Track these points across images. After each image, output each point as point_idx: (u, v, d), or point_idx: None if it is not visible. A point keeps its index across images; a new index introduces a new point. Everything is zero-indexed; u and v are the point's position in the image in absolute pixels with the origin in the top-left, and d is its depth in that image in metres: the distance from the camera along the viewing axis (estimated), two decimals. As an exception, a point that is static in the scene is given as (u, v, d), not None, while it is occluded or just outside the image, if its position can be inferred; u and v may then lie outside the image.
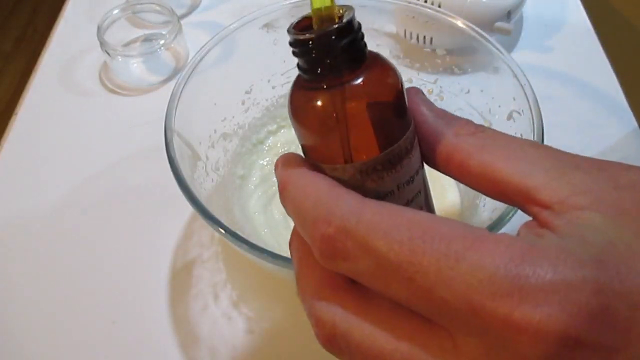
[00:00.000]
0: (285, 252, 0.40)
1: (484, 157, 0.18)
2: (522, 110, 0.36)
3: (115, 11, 0.56)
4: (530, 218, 0.18)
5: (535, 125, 0.34)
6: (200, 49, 0.39)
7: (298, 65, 0.19)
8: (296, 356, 0.38)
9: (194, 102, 0.37)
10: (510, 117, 0.38)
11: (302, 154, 0.21)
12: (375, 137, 0.19)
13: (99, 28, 0.53)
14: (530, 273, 0.14)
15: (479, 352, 0.15)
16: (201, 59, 0.38)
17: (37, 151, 0.51)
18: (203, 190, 0.37)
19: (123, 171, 0.49)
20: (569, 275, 0.14)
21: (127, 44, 0.59)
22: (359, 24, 0.19)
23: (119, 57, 0.53)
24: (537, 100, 0.35)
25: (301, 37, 0.18)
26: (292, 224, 0.44)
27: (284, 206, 0.20)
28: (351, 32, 0.18)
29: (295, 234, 0.21)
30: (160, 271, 0.42)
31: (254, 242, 0.29)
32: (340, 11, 0.19)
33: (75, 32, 0.61)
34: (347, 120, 0.19)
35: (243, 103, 0.45)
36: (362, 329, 0.17)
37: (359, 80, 0.19)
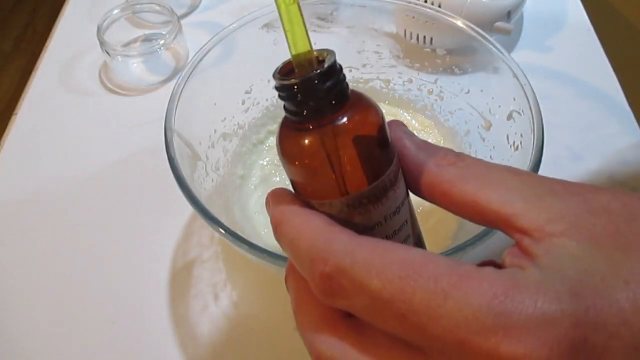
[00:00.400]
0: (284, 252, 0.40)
1: (465, 187, 0.19)
2: (522, 110, 0.36)
3: (115, 11, 0.56)
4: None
5: (535, 125, 0.34)
6: (200, 49, 0.39)
7: (284, 107, 0.20)
8: (296, 356, 0.38)
9: (194, 102, 0.37)
10: (510, 117, 0.38)
11: (291, 188, 0.22)
12: (360, 172, 0.20)
13: (99, 28, 0.53)
14: (512, 309, 0.15)
15: None
16: (201, 59, 0.38)
17: (37, 151, 0.51)
18: (203, 190, 0.37)
19: (123, 171, 0.49)
20: (548, 310, 0.15)
21: (127, 44, 0.59)
22: (340, 67, 0.20)
23: (119, 57, 0.53)
24: (537, 100, 0.35)
25: (286, 82, 0.19)
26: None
27: (279, 243, 0.21)
28: (333, 75, 0.20)
29: (291, 270, 0.22)
30: (160, 271, 0.42)
31: (254, 242, 0.29)
32: (321, 55, 0.20)
33: (75, 32, 0.61)
34: (332, 158, 0.20)
35: (243, 103, 0.45)
36: None
37: (343, 120, 0.20)
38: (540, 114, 0.34)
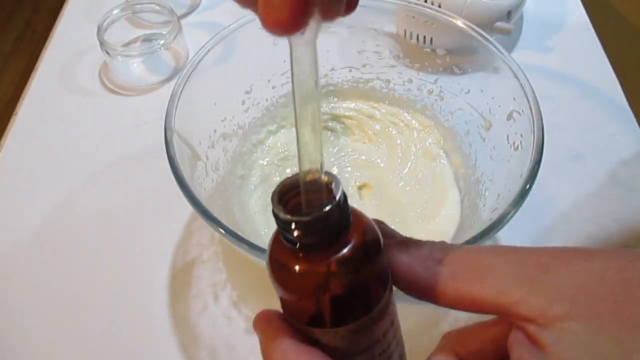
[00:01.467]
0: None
1: (457, 285, 0.19)
2: (522, 110, 0.36)
3: (115, 11, 0.56)
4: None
5: (535, 125, 0.34)
6: (200, 49, 0.39)
7: (283, 234, 0.19)
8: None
9: (194, 102, 0.37)
10: (510, 117, 0.38)
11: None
12: (367, 297, 0.19)
13: (99, 28, 0.53)
14: None
15: None
16: (201, 59, 0.38)
17: (37, 151, 0.51)
18: (203, 190, 0.37)
19: (123, 171, 0.49)
20: None
21: (127, 44, 0.59)
22: (344, 194, 0.19)
23: (119, 57, 0.53)
24: (537, 100, 0.35)
25: (296, 220, 0.18)
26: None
27: None
28: (342, 211, 0.18)
29: None
30: (160, 271, 0.42)
31: (254, 242, 0.29)
32: (325, 179, 0.19)
33: (75, 32, 0.61)
34: (341, 287, 0.19)
35: (243, 103, 0.45)
36: None
37: (346, 251, 0.18)
38: (540, 114, 0.34)
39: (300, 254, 0.19)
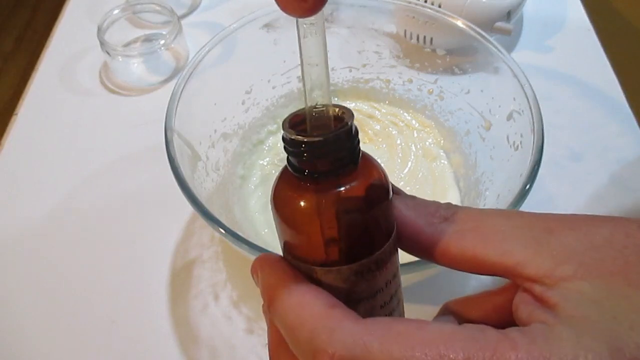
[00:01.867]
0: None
1: (462, 243, 0.19)
2: (522, 110, 0.36)
3: (116, 11, 0.56)
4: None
5: (535, 125, 0.34)
6: (201, 49, 0.39)
7: (291, 163, 0.19)
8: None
9: (194, 102, 0.37)
10: (510, 117, 0.38)
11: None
12: (371, 238, 0.19)
13: (99, 28, 0.53)
14: None
15: None
16: (201, 59, 0.38)
17: (37, 151, 0.51)
18: (203, 190, 0.37)
19: (123, 171, 0.49)
20: None
21: (127, 44, 0.59)
22: (357, 130, 0.19)
23: (119, 57, 0.53)
24: (537, 100, 0.35)
25: (307, 140, 0.18)
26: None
27: (276, 323, 0.19)
28: (350, 139, 0.18)
29: (278, 346, 0.20)
30: (160, 271, 0.42)
31: (254, 242, 0.29)
32: (337, 111, 0.19)
33: (75, 32, 0.61)
34: (345, 222, 0.18)
35: (243, 103, 0.45)
36: None
37: (356, 183, 0.18)
38: (540, 114, 0.34)
39: (307, 184, 0.18)
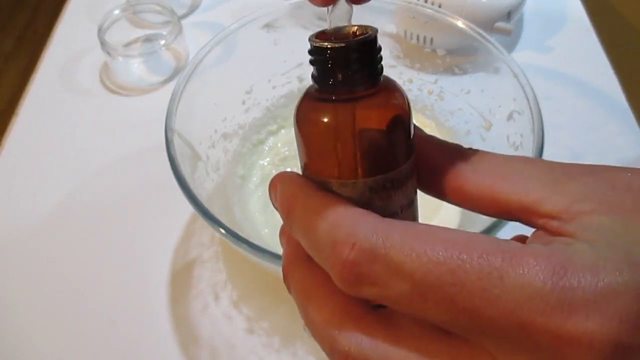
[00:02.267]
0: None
1: (479, 180, 0.19)
2: (522, 110, 0.36)
3: (116, 11, 0.56)
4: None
5: (535, 125, 0.34)
6: (201, 49, 0.39)
7: (315, 76, 0.19)
8: (296, 356, 0.38)
9: (194, 102, 0.38)
10: (510, 117, 0.38)
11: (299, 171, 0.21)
12: (388, 154, 0.19)
13: (99, 28, 0.53)
14: (575, 284, 0.14)
15: None
16: (201, 59, 0.38)
17: (37, 151, 0.51)
18: (203, 190, 0.37)
19: (123, 171, 0.49)
20: (612, 283, 0.14)
21: (127, 44, 0.59)
22: (380, 47, 0.19)
23: (120, 57, 0.53)
24: (537, 100, 0.35)
25: (322, 45, 0.18)
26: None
27: (292, 230, 0.19)
28: (372, 49, 0.19)
29: (293, 261, 0.19)
30: (160, 271, 0.42)
31: (254, 242, 0.29)
32: (359, 29, 0.19)
33: (75, 32, 0.61)
34: (362, 136, 0.19)
35: (243, 103, 0.45)
36: (396, 357, 0.16)
37: (376, 98, 0.19)
38: (540, 114, 0.34)
39: (328, 95, 0.19)
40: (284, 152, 0.46)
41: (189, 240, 0.44)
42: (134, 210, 0.46)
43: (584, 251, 0.15)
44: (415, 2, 0.42)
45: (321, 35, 0.20)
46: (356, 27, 0.19)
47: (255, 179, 0.45)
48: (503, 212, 0.18)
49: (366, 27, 0.19)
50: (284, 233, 0.21)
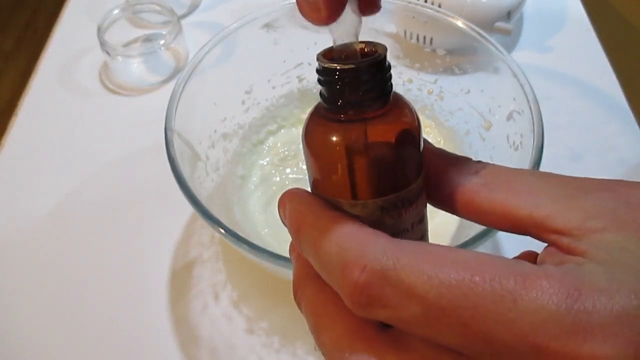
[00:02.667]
0: (285, 252, 0.40)
1: (490, 195, 0.18)
2: (522, 110, 0.36)
3: (116, 11, 0.56)
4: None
5: (535, 125, 0.34)
6: (201, 49, 0.39)
7: (325, 96, 0.19)
8: (296, 356, 0.38)
9: (194, 102, 0.37)
10: (510, 117, 0.38)
11: (309, 189, 0.21)
12: (398, 174, 0.19)
13: (99, 28, 0.53)
14: (590, 307, 0.14)
15: None
16: (201, 59, 0.38)
17: (37, 151, 0.51)
18: (203, 190, 0.37)
19: (123, 171, 0.49)
20: (626, 306, 0.14)
21: (127, 44, 0.59)
22: (389, 65, 0.19)
23: (119, 57, 0.53)
24: (537, 100, 0.35)
25: (332, 67, 0.18)
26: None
27: (302, 249, 0.19)
28: (382, 69, 0.19)
29: (304, 280, 0.19)
30: (160, 271, 0.42)
31: (254, 242, 0.29)
32: (369, 47, 0.19)
33: (75, 32, 0.61)
34: (373, 156, 0.19)
35: (243, 103, 0.45)
36: None
37: (387, 117, 0.19)
38: (540, 114, 0.34)
39: (337, 115, 0.19)
40: (283, 152, 0.46)
41: (189, 240, 0.44)
42: (134, 210, 0.46)
43: (596, 272, 0.15)
44: (415, 2, 0.42)
45: (328, 53, 0.19)
46: (364, 45, 0.19)
47: (255, 178, 0.45)
48: (514, 227, 0.18)
49: (375, 44, 0.19)
50: (294, 250, 0.21)
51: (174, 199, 0.35)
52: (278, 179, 0.44)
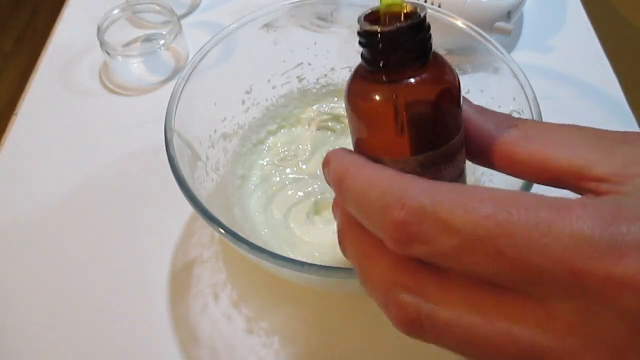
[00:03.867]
0: (285, 252, 0.40)
1: (530, 146, 0.19)
2: (522, 110, 0.36)
3: (115, 11, 0.56)
4: None
5: (535, 125, 0.34)
6: (200, 49, 0.39)
7: (365, 57, 0.20)
8: (296, 356, 0.38)
9: (194, 102, 0.37)
10: (510, 117, 0.38)
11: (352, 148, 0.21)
12: (438, 131, 0.20)
13: (99, 28, 0.53)
14: (625, 230, 0.14)
15: (576, 315, 0.15)
16: (201, 59, 0.38)
17: (37, 151, 0.51)
18: (203, 190, 0.37)
19: (123, 171, 0.49)
20: None
21: (127, 44, 0.59)
22: (429, 25, 0.20)
23: (119, 57, 0.53)
24: (537, 100, 0.35)
25: (372, 29, 0.19)
26: (292, 224, 0.43)
27: (344, 201, 0.19)
28: (422, 29, 0.19)
29: (348, 227, 0.20)
30: (160, 271, 0.42)
31: (254, 242, 0.29)
32: (409, 9, 0.20)
33: (75, 32, 0.61)
34: (414, 114, 0.19)
35: (243, 103, 0.45)
36: (448, 309, 0.17)
37: (427, 76, 0.19)
38: (540, 114, 0.34)
39: (379, 76, 0.19)
40: (283, 152, 0.46)
41: (189, 240, 0.44)
42: (134, 210, 0.46)
43: (633, 203, 0.15)
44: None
45: (370, 15, 0.20)
46: (405, 5, 0.20)
47: (254, 178, 0.45)
48: (553, 178, 0.18)
49: (415, 5, 0.20)
50: (337, 206, 0.22)
51: (173, 199, 0.35)
52: (278, 179, 0.44)
